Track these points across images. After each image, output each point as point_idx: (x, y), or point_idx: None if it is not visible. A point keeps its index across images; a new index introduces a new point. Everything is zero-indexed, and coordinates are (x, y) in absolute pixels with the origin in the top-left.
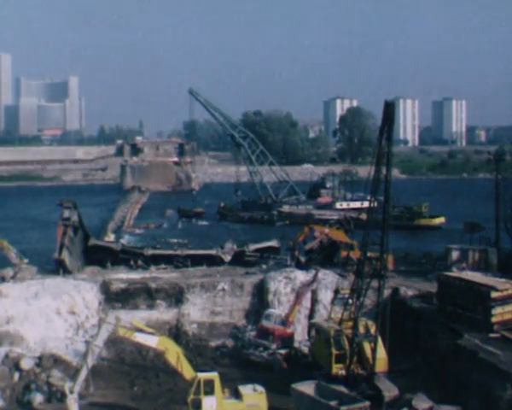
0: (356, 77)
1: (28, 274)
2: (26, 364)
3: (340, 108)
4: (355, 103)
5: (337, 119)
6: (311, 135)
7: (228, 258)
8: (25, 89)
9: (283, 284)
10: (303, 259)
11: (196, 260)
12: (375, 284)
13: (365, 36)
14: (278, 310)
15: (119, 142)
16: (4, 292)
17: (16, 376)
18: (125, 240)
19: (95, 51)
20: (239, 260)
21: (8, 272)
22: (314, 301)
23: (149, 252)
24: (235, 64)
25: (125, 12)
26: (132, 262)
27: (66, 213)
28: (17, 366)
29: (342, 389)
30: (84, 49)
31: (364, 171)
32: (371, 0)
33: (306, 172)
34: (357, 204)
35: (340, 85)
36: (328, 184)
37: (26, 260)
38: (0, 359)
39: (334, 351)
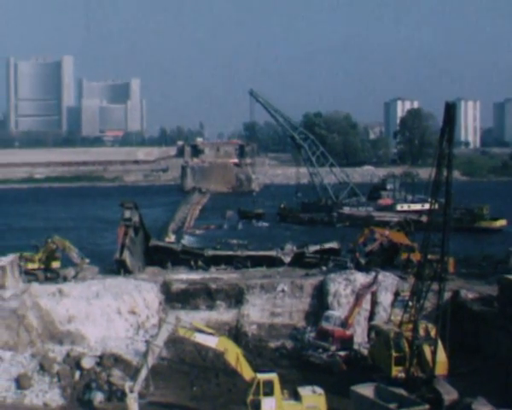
0: (417, 78)
1: (89, 274)
2: (87, 363)
3: (401, 109)
4: (416, 105)
5: (398, 120)
6: (372, 136)
7: (288, 259)
8: (87, 90)
9: (343, 286)
10: (363, 261)
11: (256, 261)
12: (435, 286)
13: (426, 36)
14: (338, 312)
15: (180, 143)
16: (66, 292)
17: (77, 375)
18: (186, 241)
19: (156, 53)
20: (299, 261)
21: (70, 271)
22: (374, 303)
23: (209, 253)
24: (295, 65)
25: (187, 13)
26: (192, 263)
27: (128, 214)
28: (78, 365)
29: (402, 391)
30: (146, 51)
31: (425, 173)
32: (431, 1)
33: (367, 173)
34: (417, 206)
35: (400, 86)
36: (388, 186)
37: (87, 260)
38: (61, 358)
39: (394, 353)
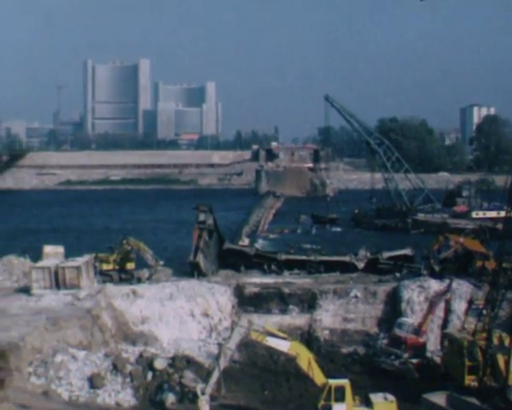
0: (494, 84)
1: (163, 276)
2: (160, 364)
3: (477, 115)
4: (492, 111)
5: (474, 126)
6: (447, 142)
7: (361, 265)
8: (163, 93)
9: (417, 293)
10: (437, 268)
11: (329, 266)
12: (510, 295)
13: (504, 42)
14: (411, 319)
15: (255, 147)
16: (140, 293)
17: (150, 375)
18: (259, 244)
19: (232, 56)
20: (372, 267)
21: (144, 273)
22: (448, 310)
23: (283, 257)
24: (371, 70)
25: (261, 17)
26: (266, 267)
27: (202, 217)
28: (151, 366)
29: (474, 401)
30: (221, 54)
31: (501, 180)
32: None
33: (442, 180)
34: (493, 214)
35: (477, 92)
36: (464, 193)
37: (161, 262)
38: (134, 358)
39: (467, 362)
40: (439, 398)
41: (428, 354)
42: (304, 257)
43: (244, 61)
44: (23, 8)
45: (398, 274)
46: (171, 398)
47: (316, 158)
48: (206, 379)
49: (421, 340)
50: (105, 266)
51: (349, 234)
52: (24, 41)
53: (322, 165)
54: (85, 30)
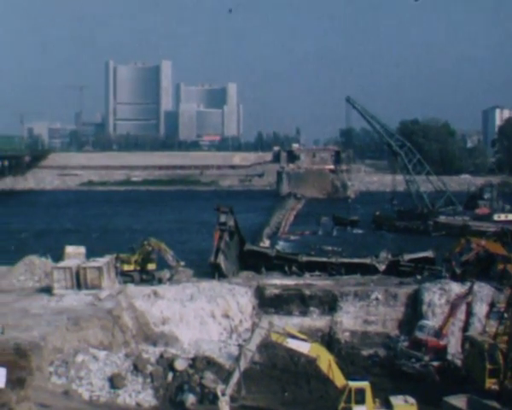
0: None
1: (184, 277)
2: (180, 365)
3: (500, 117)
4: None
5: (496, 128)
6: (469, 145)
7: (382, 267)
8: (184, 95)
9: (438, 296)
10: (458, 271)
11: (350, 269)
12: None
13: None
14: (432, 322)
15: (276, 148)
16: (161, 294)
17: (170, 376)
18: (280, 246)
19: (253, 58)
20: (393, 269)
21: (165, 274)
22: (469, 313)
23: (304, 259)
24: (392, 72)
25: (281, 19)
26: (286, 268)
27: (223, 218)
28: (171, 367)
29: (495, 404)
30: (243, 56)
31: None
32: None
33: (464, 182)
34: None
35: (499, 94)
36: (485, 195)
37: (182, 263)
38: (155, 359)
39: (488, 365)
40: (459, 401)
41: (449, 357)
42: (324, 259)
43: (265, 62)
44: (45, 8)
45: (419, 277)
46: (191, 399)
47: (337, 160)
48: (226, 380)
49: (442, 343)
50: (126, 267)
51: (370, 236)
52: (46, 42)
53: (344, 166)
54: (107, 31)
